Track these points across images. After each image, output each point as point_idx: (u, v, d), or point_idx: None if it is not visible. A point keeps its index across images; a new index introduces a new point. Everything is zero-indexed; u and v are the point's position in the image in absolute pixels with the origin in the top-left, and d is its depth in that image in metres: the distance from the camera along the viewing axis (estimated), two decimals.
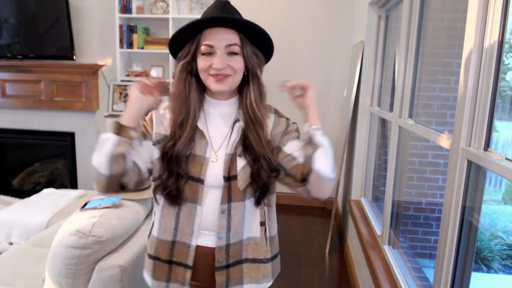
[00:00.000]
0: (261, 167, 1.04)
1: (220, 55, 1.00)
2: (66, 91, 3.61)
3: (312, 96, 1.08)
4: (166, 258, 1.10)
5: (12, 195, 3.34)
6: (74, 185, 3.83)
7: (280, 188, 1.14)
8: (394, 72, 2.29)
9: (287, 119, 1.15)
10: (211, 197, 1.06)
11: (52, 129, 3.75)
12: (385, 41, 2.75)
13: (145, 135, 1.09)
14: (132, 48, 3.81)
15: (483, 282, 3.04)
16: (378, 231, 2.30)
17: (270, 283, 1.17)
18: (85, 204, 1.57)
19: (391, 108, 2.25)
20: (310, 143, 1.03)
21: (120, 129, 1.00)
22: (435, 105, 2.54)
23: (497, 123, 1.42)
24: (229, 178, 1.05)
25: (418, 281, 1.78)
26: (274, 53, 1.11)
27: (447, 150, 1.29)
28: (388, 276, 1.85)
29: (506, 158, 1.01)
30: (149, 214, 1.80)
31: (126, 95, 3.83)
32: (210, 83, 1.03)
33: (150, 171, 1.09)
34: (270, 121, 1.12)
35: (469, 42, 1.12)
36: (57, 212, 2.43)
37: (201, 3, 3.78)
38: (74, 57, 3.50)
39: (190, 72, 1.06)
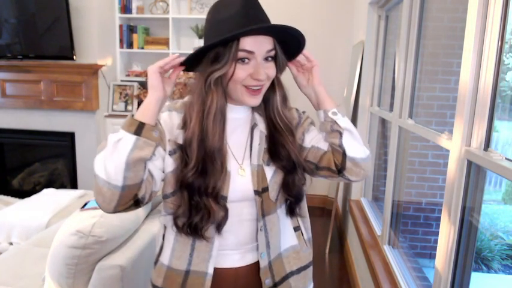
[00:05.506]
0: (297, 176, 0.95)
1: (260, 62, 0.87)
2: (66, 91, 3.61)
3: (319, 75, 1.01)
4: None
5: (12, 195, 3.34)
6: (74, 185, 3.83)
7: None
8: (394, 72, 2.29)
9: (296, 109, 1.05)
10: (236, 213, 0.93)
11: (52, 129, 3.75)
12: (385, 41, 2.75)
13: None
14: (132, 48, 3.82)
15: (483, 282, 3.03)
16: (378, 231, 2.29)
17: (312, 286, 1.10)
18: (85, 204, 1.57)
19: (391, 108, 2.25)
20: (333, 130, 0.95)
21: (140, 128, 0.80)
22: (435, 105, 2.54)
23: (497, 123, 1.42)
24: (261, 191, 0.93)
25: (418, 281, 1.78)
26: None
27: (447, 150, 1.29)
28: (388, 276, 1.85)
29: (506, 158, 1.01)
30: (149, 214, 1.80)
31: (126, 95, 3.83)
32: (244, 95, 0.89)
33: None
34: None
35: (469, 42, 1.12)
36: (57, 212, 2.43)
37: (201, 3, 3.78)
38: (74, 57, 3.50)
39: (221, 84, 0.89)
